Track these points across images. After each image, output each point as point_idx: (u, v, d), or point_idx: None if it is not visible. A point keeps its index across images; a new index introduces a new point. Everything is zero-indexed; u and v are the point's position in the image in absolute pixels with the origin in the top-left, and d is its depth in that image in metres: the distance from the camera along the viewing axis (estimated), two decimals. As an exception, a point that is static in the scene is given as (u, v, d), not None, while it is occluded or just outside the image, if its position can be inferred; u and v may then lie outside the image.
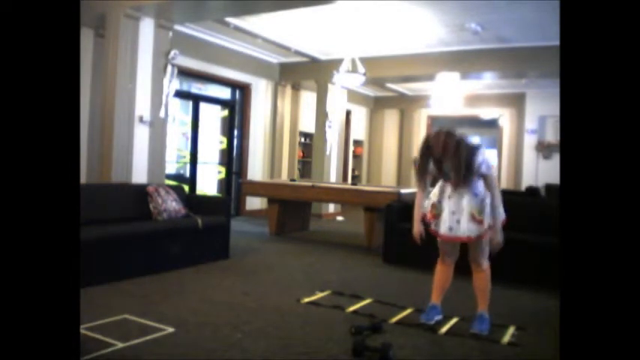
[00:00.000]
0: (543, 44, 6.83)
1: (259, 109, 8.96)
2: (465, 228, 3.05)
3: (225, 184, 8.63)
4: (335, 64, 7.55)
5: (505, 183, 11.12)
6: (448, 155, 2.93)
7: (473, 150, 2.97)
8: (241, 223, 7.73)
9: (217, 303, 3.54)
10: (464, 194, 3.07)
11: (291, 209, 7.03)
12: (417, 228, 3.25)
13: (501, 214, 3.09)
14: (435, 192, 3.24)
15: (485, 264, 3.17)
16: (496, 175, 3.10)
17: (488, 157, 3.06)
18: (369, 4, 5.83)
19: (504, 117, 11.35)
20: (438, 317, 3.27)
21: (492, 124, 12.13)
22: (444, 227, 3.12)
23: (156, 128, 5.56)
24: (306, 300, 3.69)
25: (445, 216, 3.12)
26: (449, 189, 3.14)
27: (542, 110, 10.51)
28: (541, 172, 10.39)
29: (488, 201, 3.06)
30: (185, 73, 7.13)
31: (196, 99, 8.02)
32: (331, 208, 9.53)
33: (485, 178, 3.05)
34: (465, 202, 3.06)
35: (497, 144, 11.79)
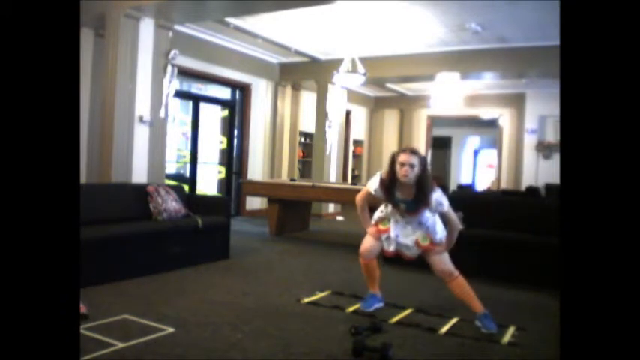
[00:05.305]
0: (543, 44, 6.83)
1: (259, 109, 8.96)
2: (410, 252, 3.22)
3: (225, 184, 8.63)
4: (335, 64, 7.54)
5: (505, 183, 11.13)
6: (412, 180, 3.04)
7: (432, 186, 3.10)
8: (241, 223, 7.73)
9: (217, 303, 3.54)
10: (411, 222, 3.19)
11: (291, 209, 7.03)
12: (368, 226, 3.39)
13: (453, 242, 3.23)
14: (382, 209, 3.35)
15: (454, 271, 3.20)
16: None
17: (441, 194, 3.12)
18: (369, 4, 5.83)
19: (504, 117, 11.35)
20: (378, 305, 3.41)
21: (492, 124, 12.14)
22: (388, 245, 3.25)
23: (156, 128, 5.56)
24: (306, 300, 3.69)
25: (391, 238, 3.23)
26: (396, 215, 3.23)
27: (542, 110, 10.52)
28: (541, 172, 10.39)
29: (432, 225, 3.18)
30: (185, 73, 7.13)
31: (196, 99, 8.02)
32: (331, 208, 9.53)
33: (444, 215, 3.16)
34: (410, 229, 3.20)
35: (497, 144, 11.80)
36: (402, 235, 3.20)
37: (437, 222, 3.19)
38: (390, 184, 3.16)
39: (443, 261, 3.18)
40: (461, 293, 3.18)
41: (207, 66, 7.72)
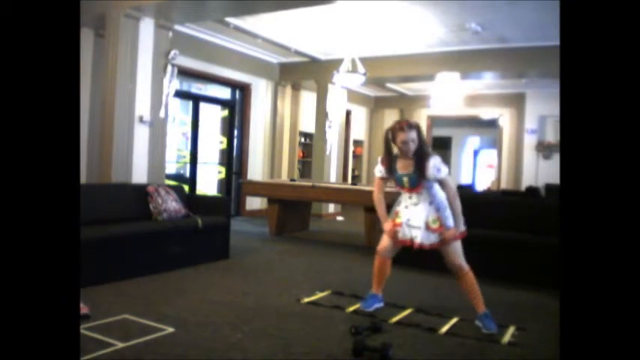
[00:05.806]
0: (543, 44, 6.83)
1: (259, 109, 8.96)
2: (421, 237, 3.15)
3: (225, 184, 8.63)
4: (335, 64, 7.54)
5: (505, 183, 11.12)
6: (410, 145, 3.07)
7: (428, 152, 3.13)
8: (241, 223, 7.73)
9: (217, 303, 3.54)
10: (419, 203, 3.18)
11: (291, 209, 7.03)
12: (385, 221, 3.36)
13: (461, 227, 3.17)
14: (398, 201, 3.35)
15: (465, 265, 3.20)
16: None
17: (440, 160, 3.12)
18: (369, 4, 5.83)
19: (504, 117, 11.35)
20: (378, 305, 3.42)
21: (492, 124, 12.13)
22: (403, 234, 3.24)
23: (156, 128, 5.56)
24: (306, 300, 3.69)
25: (404, 223, 3.23)
26: (405, 198, 3.25)
27: (542, 110, 10.52)
28: (541, 172, 10.39)
29: (443, 208, 3.16)
30: (185, 73, 7.12)
31: (196, 99, 8.01)
32: (331, 208, 9.53)
33: (442, 182, 3.15)
34: (420, 211, 3.17)
35: (497, 144, 11.80)
36: (412, 218, 3.19)
37: (447, 206, 3.18)
38: (389, 160, 3.21)
39: (456, 254, 3.18)
40: (468, 290, 3.19)
41: (207, 66, 7.72)
